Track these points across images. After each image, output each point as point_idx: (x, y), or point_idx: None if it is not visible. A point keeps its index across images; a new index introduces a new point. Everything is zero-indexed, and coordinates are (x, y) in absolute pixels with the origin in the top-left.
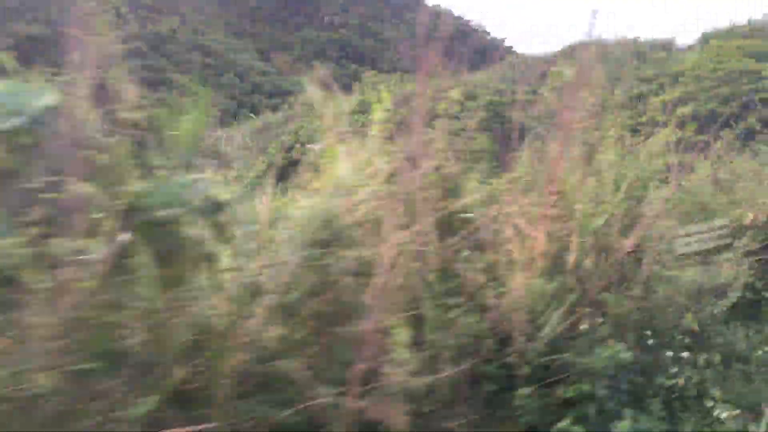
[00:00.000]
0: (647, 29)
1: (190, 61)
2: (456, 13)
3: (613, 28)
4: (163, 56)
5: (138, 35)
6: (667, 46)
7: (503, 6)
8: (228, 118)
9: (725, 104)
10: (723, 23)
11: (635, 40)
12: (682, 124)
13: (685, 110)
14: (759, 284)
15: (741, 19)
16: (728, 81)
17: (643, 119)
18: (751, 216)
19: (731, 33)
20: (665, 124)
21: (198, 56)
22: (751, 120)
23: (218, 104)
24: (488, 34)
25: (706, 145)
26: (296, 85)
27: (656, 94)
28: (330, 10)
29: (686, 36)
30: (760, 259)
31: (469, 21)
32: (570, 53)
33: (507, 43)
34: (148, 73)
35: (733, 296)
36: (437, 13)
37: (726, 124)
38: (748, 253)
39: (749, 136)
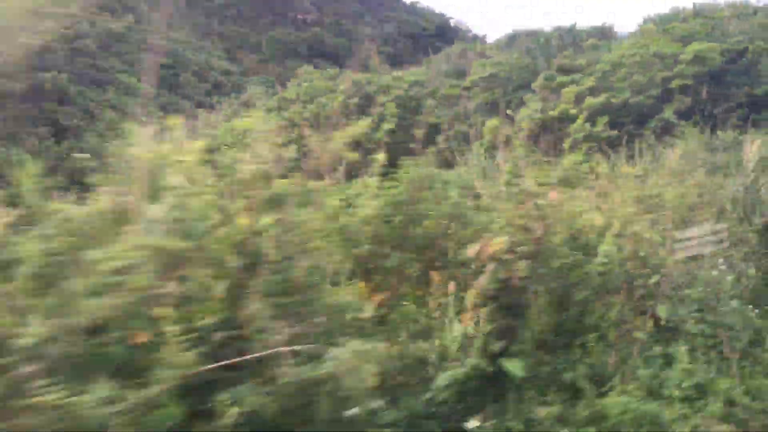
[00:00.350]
0: (594, 16)
1: (141, 61)
2: (437, 11)
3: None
4: (113, 56)
5: (87, 34)
6: (606, 33)
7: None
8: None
9: (640, 94)
10: (667, 7)
11: (572, 28)
12: (593, 118)
13: (595, 101)
14: (496, 347)
15: (686, 3)
16: (644, 67)
17: (554, 112)
18: (475, 249)
19: (673, 17)
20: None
21: (152, 55)
22: (668, 112)
23: (171, 104)
24: (470, 31)
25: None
26: (260, 85)
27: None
28: (303, 9)
29: (632, 22)
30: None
31: (450, 18)
32: (510, 42)
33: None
34: (96, 72)
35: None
36: (416, 11)
37: (642, 117)
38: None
39: (666, 129)
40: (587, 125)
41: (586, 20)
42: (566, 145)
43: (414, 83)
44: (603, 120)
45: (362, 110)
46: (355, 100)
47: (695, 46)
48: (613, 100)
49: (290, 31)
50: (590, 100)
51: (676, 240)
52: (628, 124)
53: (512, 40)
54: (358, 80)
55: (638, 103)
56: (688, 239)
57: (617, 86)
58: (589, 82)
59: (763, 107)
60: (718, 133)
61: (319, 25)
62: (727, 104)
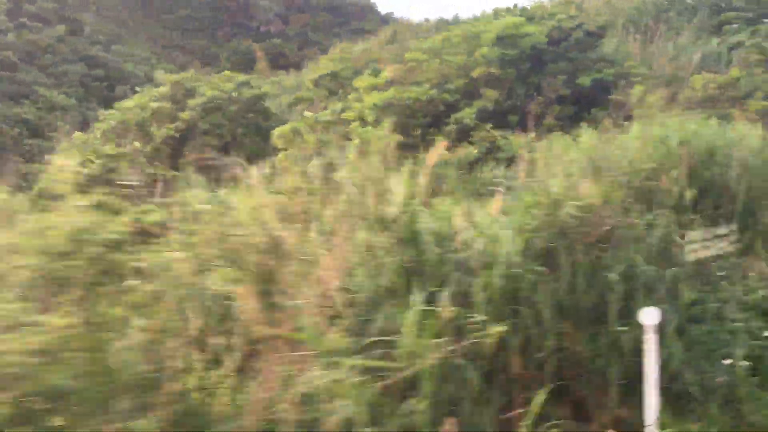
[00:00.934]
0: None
1: (68, 74)
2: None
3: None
4: (38, 68)
5: (9, 45)
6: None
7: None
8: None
9: (439, 87)
10: None
11: (454, 19)
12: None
13: (376, 98)
14: None
15: None
16: (447, 53)
17: (351, 114)
18: None
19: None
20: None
21: (83, 68)
22: (466, 111)
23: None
24: None
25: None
26: None
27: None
28: (266, 20)
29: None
30: None
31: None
32: (391, 37)
33: None
34: (11, 85)
35: None
36: (390, 21)
37: (438, 118)
38: None
39: (464, 133)
40: (370, 128)
41: None
42: (349, 153)
43: (243, 83)
44: (387, 122)
45: (175, 115)
46: (167, 104)
47: (501, 22)
48: (403, 96)
49: (251, 42)
50: (373, 97)
51: (686, 242)
52: (425, 127)
53: (393, 35)
54: (178, 81)
55: (436, 100)
56: (696, 241)
57: (420, 78)
58: (388, 73)
59: (594, 101)
60: (508, 137)
61: (283, 36)
62: (543, 98)
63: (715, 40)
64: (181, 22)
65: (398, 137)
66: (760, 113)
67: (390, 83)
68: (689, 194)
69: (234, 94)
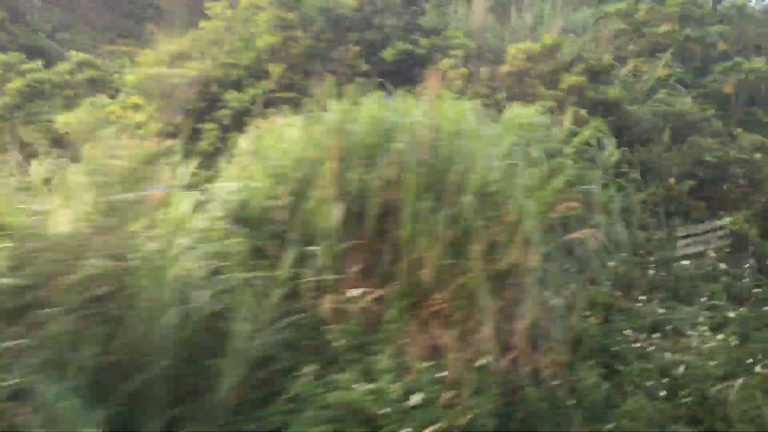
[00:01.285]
0: None
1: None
2: None
3: None
4: None
5: None
6: None
7: None
8: None
9: (227, 65)
10: None
11: None
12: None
13: (140, 78)
14: None
15: None
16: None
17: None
18: None
19: None
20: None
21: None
22: (234, 94)
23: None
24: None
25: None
26: None
27: None
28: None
29: None
30: None
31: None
32: None
33: None
34: None
35: None
36: None
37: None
38: None
39: (237, 122)
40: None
41: None
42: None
43: (83, 64)
44: (151, 109)
45: None
46: None
47: None
48: (176, 74)
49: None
50: (135, 76)
51: (680, 237)
52: (199, 113)
53: None
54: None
55: (210, 79)
56: (691, 235)
57: (215, 52)
58: (174, 46)
59: (409, 77)
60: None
61: None
62: (335, 73)
63: (585, 10)
64: (138, 11)
65: (159, 125)
66: (574, 90)
67: (178, 58)
68: (333, 211)
69: (67, 77)
